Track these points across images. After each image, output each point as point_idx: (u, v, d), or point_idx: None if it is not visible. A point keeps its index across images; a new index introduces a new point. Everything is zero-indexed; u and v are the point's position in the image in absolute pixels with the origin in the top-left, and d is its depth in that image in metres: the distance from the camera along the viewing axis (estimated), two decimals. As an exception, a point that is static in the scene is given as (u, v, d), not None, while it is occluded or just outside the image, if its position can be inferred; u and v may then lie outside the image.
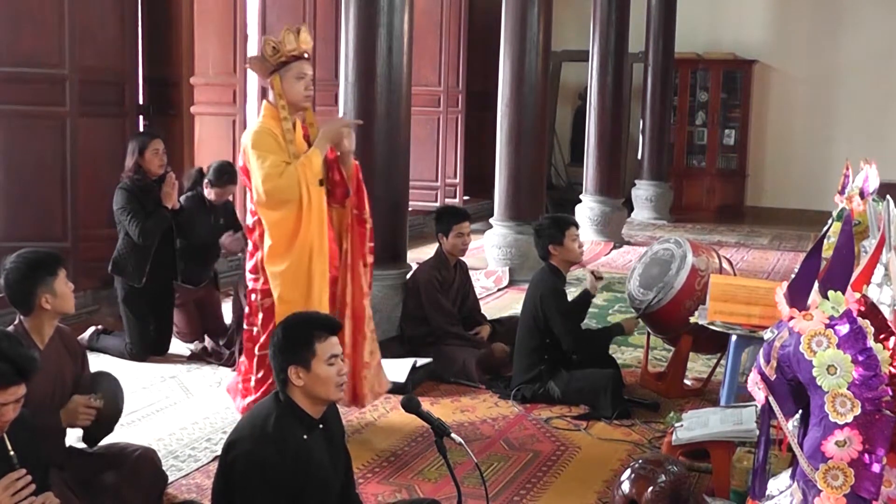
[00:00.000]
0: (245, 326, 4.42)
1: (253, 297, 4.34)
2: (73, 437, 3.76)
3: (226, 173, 5.92)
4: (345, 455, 3.14)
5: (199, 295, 5.98)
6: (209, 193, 5.94)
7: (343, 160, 4.35)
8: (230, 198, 6.20)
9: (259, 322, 4.31)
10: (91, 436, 3.58)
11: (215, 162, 6.07)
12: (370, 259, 4.55)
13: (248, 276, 4.38)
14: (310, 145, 4.32)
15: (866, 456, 2.50)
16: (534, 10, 8.19)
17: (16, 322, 3.43)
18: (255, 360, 4.31)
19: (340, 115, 5.96)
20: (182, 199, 5.93)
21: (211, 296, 5.95)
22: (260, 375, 4.30)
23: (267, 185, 4.12)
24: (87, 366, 3.64)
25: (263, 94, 8.31)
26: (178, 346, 5.92)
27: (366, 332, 4.51)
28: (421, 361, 5.38)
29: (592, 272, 5.40)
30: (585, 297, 5.34)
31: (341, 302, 4.41)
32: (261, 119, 4.31)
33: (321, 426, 2.99)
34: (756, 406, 3.49)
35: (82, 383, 3.56)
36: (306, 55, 4.29)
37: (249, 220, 4.35)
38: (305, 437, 2.92)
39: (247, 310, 4.41)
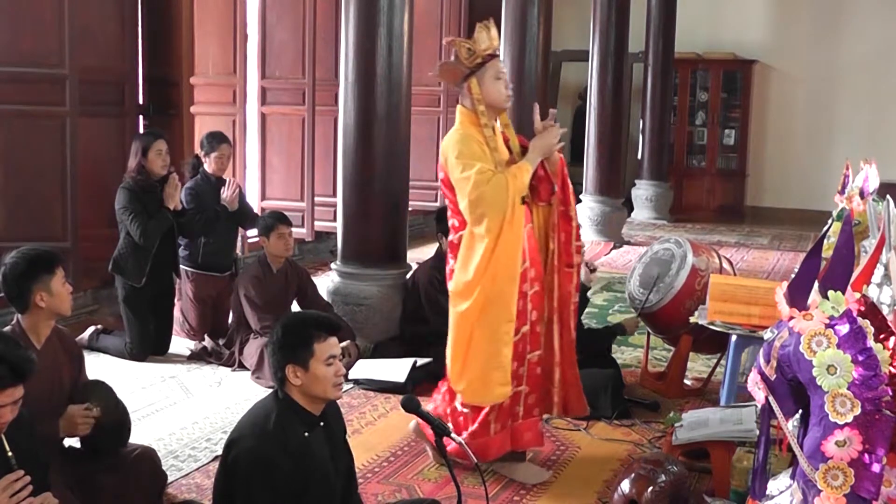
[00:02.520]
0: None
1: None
2: (73, 438, 3.76)
3: (214, 136, 6.18)
4: (347, 454, 3.14)
5: (220, 288, 6.02)
6: (208, 165, 6.13)
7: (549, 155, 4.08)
8: (231, 172, 6.33)
9: None
10: (97, 446, 3.54)
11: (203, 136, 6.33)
12: (577, 259, 4.21)
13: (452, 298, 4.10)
14: (508, 148, 4.08)
15: (866, 456, 2.50)
16: (534, 10, 8.20)
17: (13, 322, 3.43)
18: None
19: (341, 115, 5.96)
20: (190, 183, 6.10)
21: (228, 290, 5.94)
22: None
23: (473, 194, 3.85)
24: (83, 368, 3.63)
25: (263, 94, 8.33)
26: (178, 346, 5.92)
27: (573, 337, 4.22)
28: (421, 361, 5.38)
29: (586, 263, 5.36)
30: (581, 291, 5.34)
31: (549, 307, 4.12)
32: (458, 126, 4.03)
33: (322, 423, 2.99)
34: (756, 406, 3.49)
35: (77, 388, 3.55)
36: (498, 52, 4.07)
37: (453, 237, 4.05)
38: (306, 433, 2.92)
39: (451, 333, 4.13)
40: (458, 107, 4.08)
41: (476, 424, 4.01)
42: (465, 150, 3.92)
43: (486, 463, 4.09)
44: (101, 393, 3.56)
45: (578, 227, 4.23)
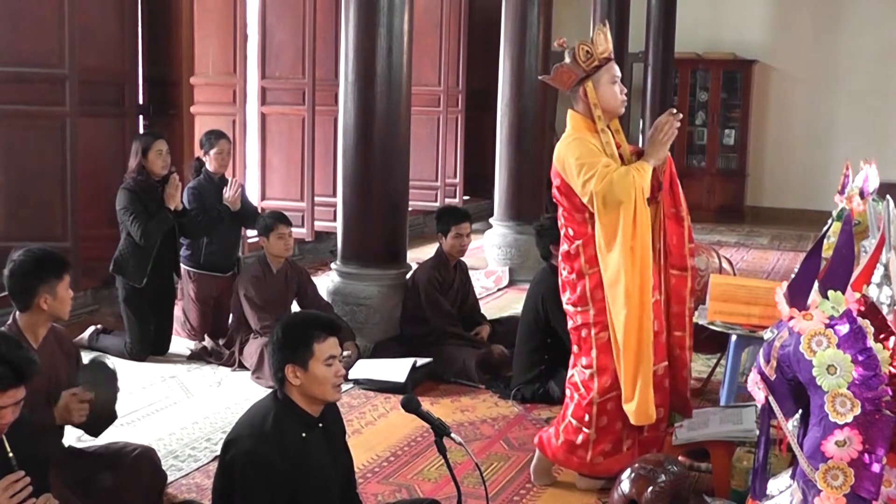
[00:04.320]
0: (577, 368, 3.94)
1: (583, 332, 3.88)
2: (73, 438, 3.77)
3: (212, 133, 6.18)
4: (346, 455, 3.14)
5: (222, 288, 6.02)
6: (209, 164, 6.13)
7: None
8: (231, 172, 6.38)
9: (594, 362, 3.86)
10: (93, 428, 3.54)
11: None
12: (691, 262, 4.05)
13: (571, 309, 3.91)
14: (621, 156, 3.89)
15: (866, 456, 2.50)
16: (534, 10, 8.20)
17: (10, 321, 3.43)
18: (595, 409, 3.87)
19: (341, 115, 5.96)
20: (192, 182, 6.11)
21: (230, 290, 5.94)
22: (604, 422, 3.88)
23: (599, 185, 3.70)
24: (81, 366, 3.63)
25: (263, 94, 8.33)
26: (178, 346, 5.92)
27: (686, 343, 4.07)
28: (421, 361, 5.38)
29: None
30: None
31: (666, 310, 3.98)
32: (571, 131, 3.91)
33: (320, 425, 2.99)
34: (756, 406, 3.49)
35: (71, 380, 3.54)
36: (612, 56, 3.94)
37: (569, 247, 3.89)
38: (304, 435, 2.92)
39: (575, 349, 3.96)
40: (570, 112, 3.96)
41: (610, 445, 3.91)
42: (583, 150, 3.80)
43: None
44: (90, 375, 3.49)
45: (690, 228, 4.11)
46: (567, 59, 3.91)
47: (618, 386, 3.86)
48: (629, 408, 3.84)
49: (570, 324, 3.97)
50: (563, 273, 3.95)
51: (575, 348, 3.97)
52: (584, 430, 3.91)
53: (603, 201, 3.74)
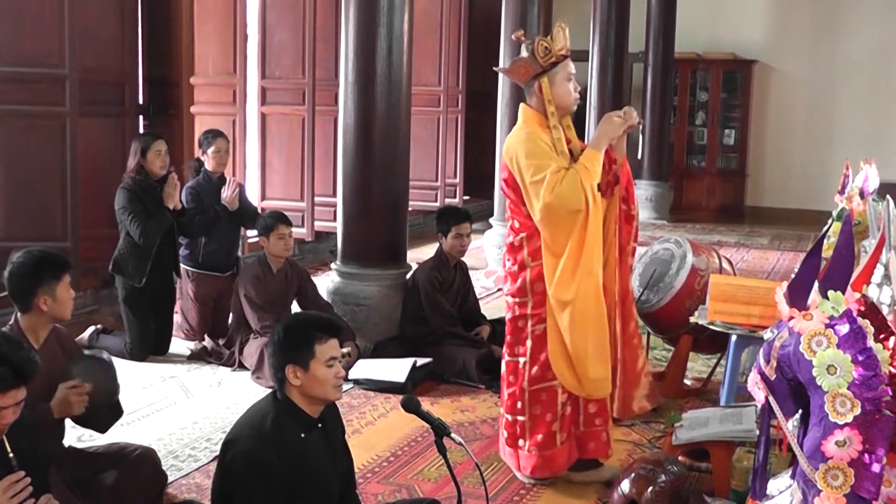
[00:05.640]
0: (507, 358, 4.01)
1: (519, 324, 3.94)
2: (73, 438, 3.77)
3: (209, 132, 6.21)
4: (345, 455, 3.14)
5: (221, 288, 6.02)
6: (208, 163, 6.15)
7: (618, 143, 4.00)
8: (229, 171, 6.39)
9: (528, 352, 3.91)
10: (98, 423, 3.52)
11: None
12: (631, 260, 4.18)
13: (510, 300, 3.96)
14: (571, 152, 3.92)
15: (866, 456, 2.50)
16: (534, 10, 8.20)
17: (11, 322, 3.43)
18: (527, 396, 3.93)
19: (341, 115, 5.97)
20: (191, 182, 6.12)
21: (229, 290, 5.93)
22: (537, 411, 3.93)
23: (549, 198, 3.73)
24: (73, 361, 3.63)
25: (263, 94, 8.33)
26: (178, 346, 5.93)
27: (638, 332, 4.15)
28: (421, 361, 5.38)
29: None
30: None
31: (610, 303, 4.00)
32: (522, 125, 3.94)
33: (320, 425, 2.99)
34: (756, 406, 3.49)
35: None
36: (570, 54, 3.98)
37: (513, 239, 3.93)
38: (304, 436, 2.92)
39: (508, 338, 4.01)
40: (522, 106, 4.00)
41: (542, 436, 3.95)
42: (534, 148, 3.82)
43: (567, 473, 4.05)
44: (84, 367, 3.46)
45: (637, 229, 4.17)
46: (525, 53, 3.94)
47: (549, 377, 3.90)
48: (577, 386, 3.89)
49: (507, 315, 4.01)
50: (507, 264, 3.98)
51: (508, 338, 4.00)
52: (519, 417, 3.97)
53: (554, 209, 3.77)
